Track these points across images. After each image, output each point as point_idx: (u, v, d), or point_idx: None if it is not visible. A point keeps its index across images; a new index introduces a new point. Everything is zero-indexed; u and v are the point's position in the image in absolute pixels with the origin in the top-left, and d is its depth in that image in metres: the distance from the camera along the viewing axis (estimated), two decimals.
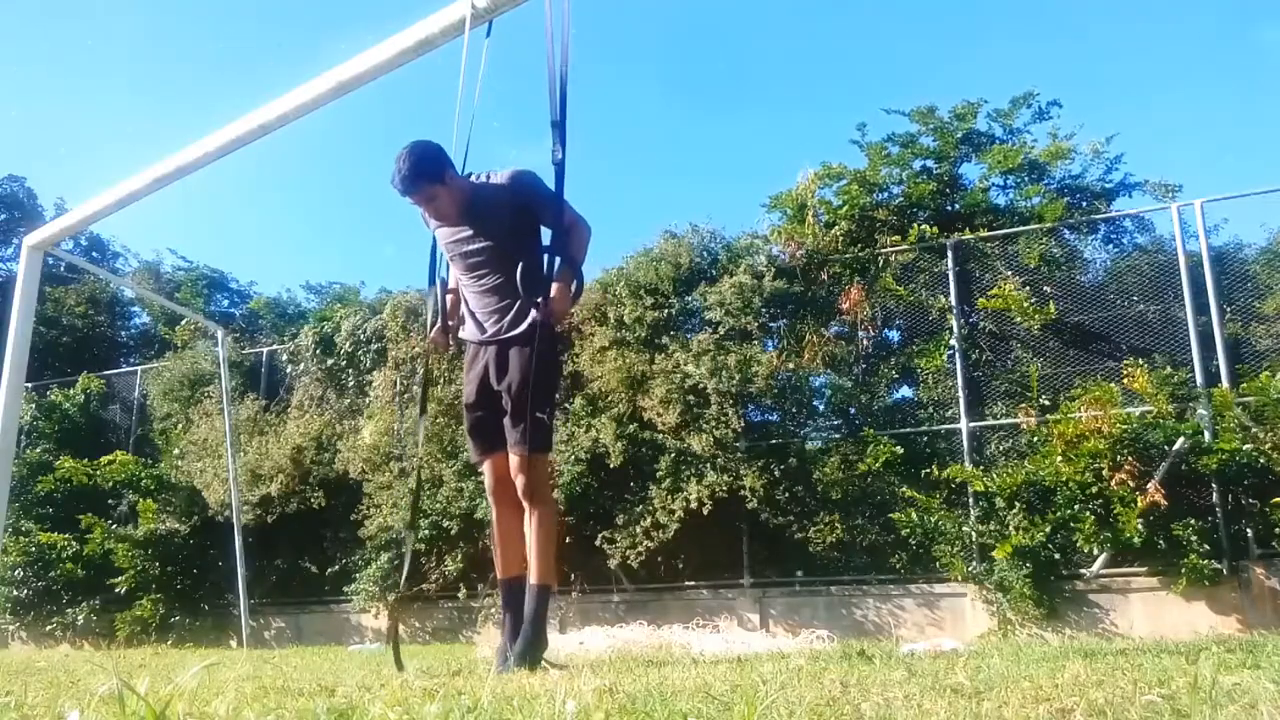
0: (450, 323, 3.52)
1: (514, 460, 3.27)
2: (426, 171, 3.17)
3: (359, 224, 31.40)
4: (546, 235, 3.39)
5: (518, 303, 3.27)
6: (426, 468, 8.14)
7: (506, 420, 3.27)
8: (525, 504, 3.29)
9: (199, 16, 28.53)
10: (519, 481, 3.27)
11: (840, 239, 8.26)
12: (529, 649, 3.16)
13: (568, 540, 7.95)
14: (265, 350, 10.93)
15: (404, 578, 3.63)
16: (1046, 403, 7.05)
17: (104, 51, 29.03)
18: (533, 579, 3.27)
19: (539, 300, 3.13)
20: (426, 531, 8.12)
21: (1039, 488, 6.57)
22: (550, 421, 3.29)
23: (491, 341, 3.34)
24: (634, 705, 1.74)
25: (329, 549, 9.30)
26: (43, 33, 27.61)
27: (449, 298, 3.57)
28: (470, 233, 3.32)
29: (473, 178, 3.34)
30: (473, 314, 3.44)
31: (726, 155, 26.37)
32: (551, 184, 3.19)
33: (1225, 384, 6.60)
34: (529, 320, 3.22)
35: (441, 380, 8.47)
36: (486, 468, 3.43)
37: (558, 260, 3.22)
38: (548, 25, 3.13)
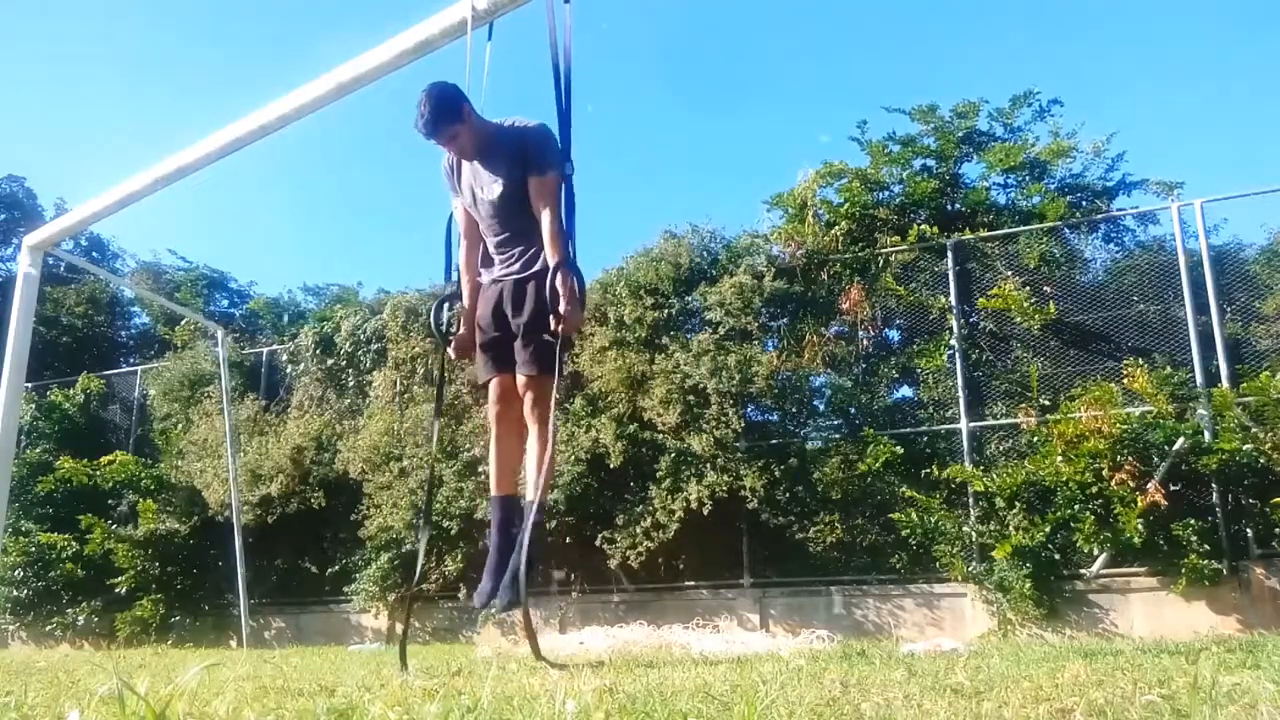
0: (464, 331, 3.56)
1: (521, 380, 3.36)
2: (448, 111, 3.25)
3: (359, 224, 31.41)
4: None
5: (533, 247, 3.37)
6: (427, 468, 8.14)
7: (517, 343, 3.37)
8: (529, 421, 3.36)
9: (199, 16, 28.54)
10: (525, 399, 3.35)
11: (840, 239, 8.26)
12: (522, 570, 3.18)
13: (567, 540, 7.96)
14: (265, 350, 10.93)
15: (417, 574, 3.65)
16: (1046, 403, 7.05)
17: (103, 52, 29.05)
18: (531, 494, 3.32)
19: (556, 311, 3.15)
20: (428, 532, 8.12)
21: (1039, 488, 6.57)
22: (560, 344, 3.31)
23: (508, 278, 3.43)
24: (634, 705, 1.74)
25: (329, 549, 9.30)
26: (42, 33, 27.62)
27: (467, 298, 3.58)
28: (487, 174, 3.39)
29: (497, 121, 3.41)
30: (486, 255, 3.55)
31: (727, 155, 26.40)
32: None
33: (1225, 384, 6.60)
34: (539, 264, 3.31)
35: (445, 381, 8.46)
36: (492, 385, 3.50)
37: (556, 260, 3.22)
38: (550, 31, 3.14)
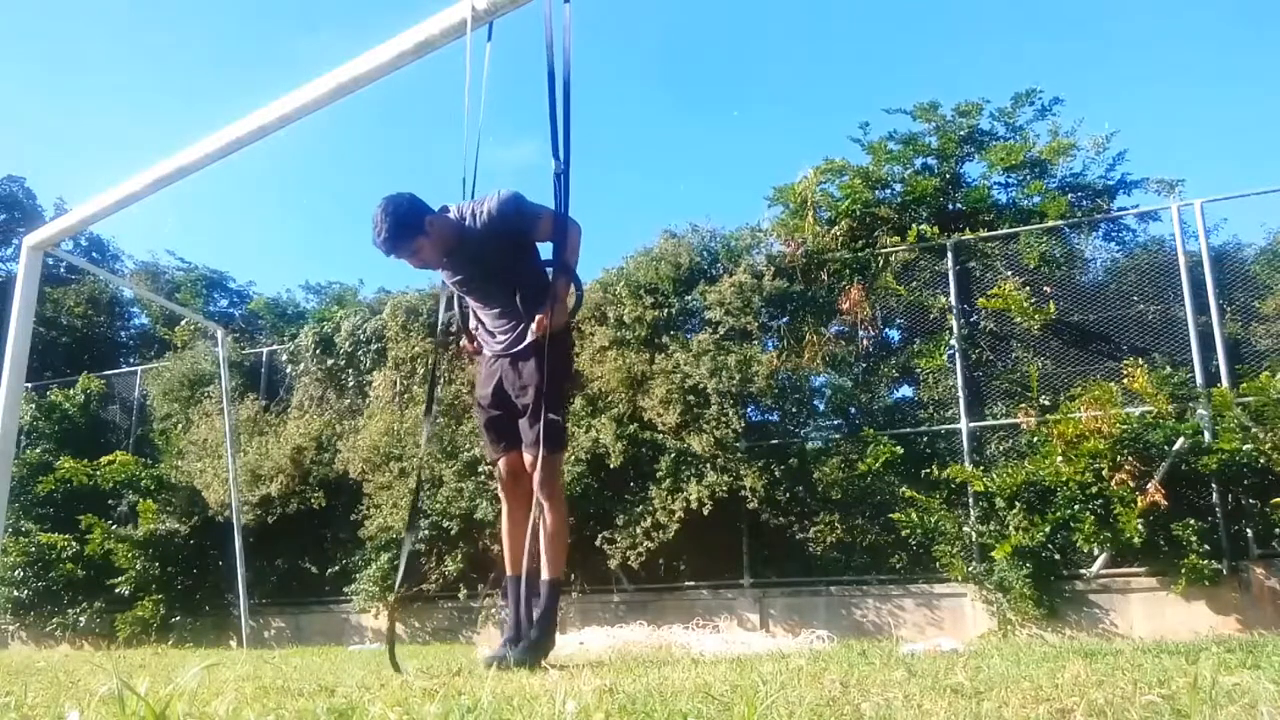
0: (474, 330, 3.61)
1: (529, 459, 3.35)
2: (407, 226, 3.16)
3: (359, 224, 31.40)
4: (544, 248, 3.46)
5: (521, 322, 3.36)
6: (426, 468, 8.14)
7: (522, 421, 3.35)
8: (539, 498, 3.33)
9: (199, 17, 28.54)
10: (535, 477, 3.32)
11: (840, 237, 8.26)
12: (536, 645, 3.20)
13: (567, 540, 7.95)
14: (265, 350, 10.93)
15: (399, 579, 3.63)
16: (1046, 403, 7.05)
17: (101, 51, 29.04)
18: (545, 574, 3.31)
19: (538, 317, 3.18)
20: (427, 532, 8.12)
21: (1039, 488, 6.57)
22: (564, 421, 3.36)
23: (504, 355, 3.43)
24: (634, 705, 1.74)
25: (329, 549, 9.31)
26: (40, 33, 27.62)
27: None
28: (460, 263, 3.37)
29: (453, 209, 3.33)
30: (485, 329, 3.54)
31: (727, 155, 26.40)
32: (537, 194, 3.27)
33: (1225, 384, 6.60)
34: (532, 336, 3.27)
35: (442, 380, 8.47)
36: (500, 464, 3.51)
37: (566, 278, 3.29)
38: (547, 31, 3.13)
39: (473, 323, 3.59)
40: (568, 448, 3.51)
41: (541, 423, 3.24)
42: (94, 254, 18.86)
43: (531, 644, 3.19)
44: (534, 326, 3.19)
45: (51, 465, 10.63)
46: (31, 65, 29.04)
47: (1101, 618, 6.54)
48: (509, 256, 3.34)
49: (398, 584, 3.77)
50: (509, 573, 3.49)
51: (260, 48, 30.74)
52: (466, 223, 3.31)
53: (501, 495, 3.55)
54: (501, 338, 3.44)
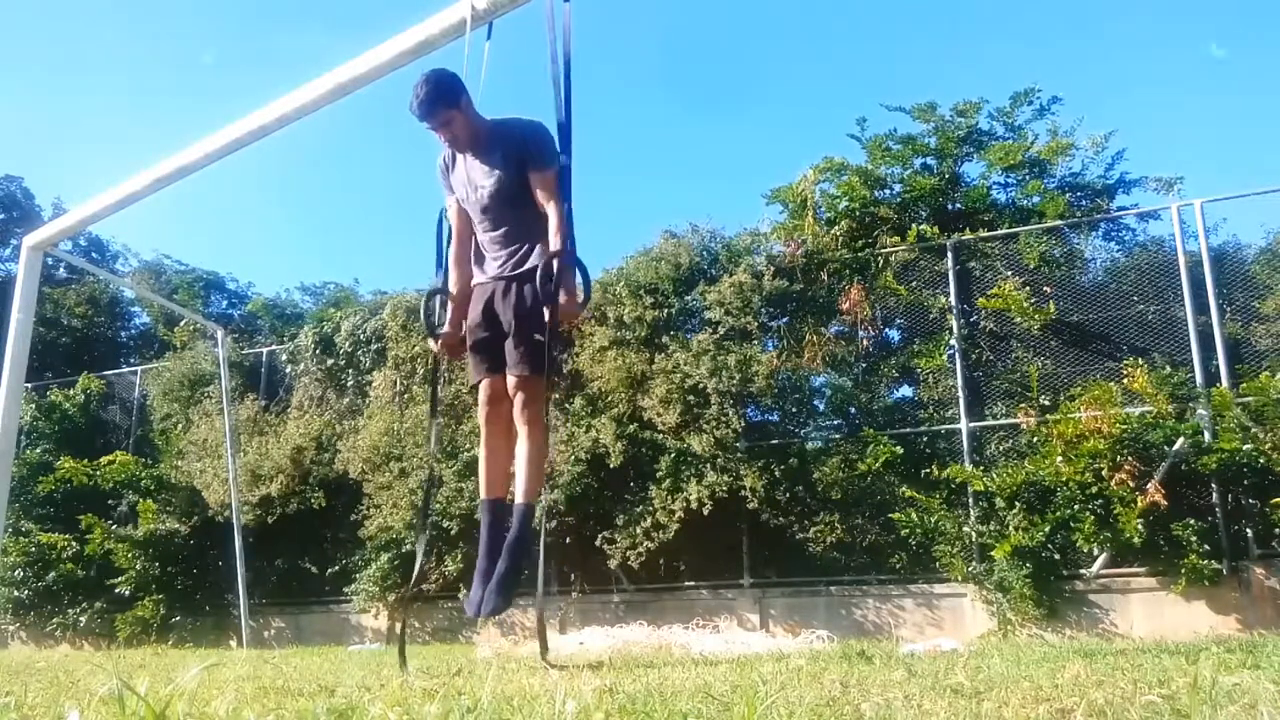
0: (450, 328, 3.55)
1: (512, 380, 3.31)
2: (445, 96, 3.24)
3: (355, 224, 31.41)
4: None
5: (524, 245, 3.34)
6: (427, 468, 8.14)
7: (508, 342, 3.32)
8: (519, 423, 3.32)
9: (198, 16, 28.53)
10: (516, 400, 3.30)
11: (840, 237, 8.26)
12: (506, 578, 3.18)
13: (567, 540, 7.96)
14: (265, 351, 10.93)
15: (415, 574, 3.63)
16: (1046, 403, 7.04)
17: (99, 51, 29.05)
18: (520, 497, 3.29)
19: (552, 303, 3.15)
20: (427, 532, 8.12)
21: (1039, 488, 6.57)
22: (552, 346, 3.29)
23: (499, 279, 3.40)
24: (634, 705, 1.74)
25: (329, 549, 9.30)
26: (37, 33, 27.62)
27: (456, 295, 3.56)
28: (482, 168, 3.37)
29: (492, 118, 3.39)
30: (478, 252, 3.50)
31: (727, 155, 26.41)
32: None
33: (1225, 384, 6.60)
34: (534, 260, 3.27)
35: (442, 380, 8.46)
36: (482, 387, 3.46)
37: (558, 250, 3.22)
38: (549, 29, 3.13)
39: (460, 331, 3.53)
40: (554, 377, 3.45)
41: (528, 344, 3.22)
42: (93, 254, 18.87)
43: (501, 578, 3.18)
44: (548, 316, 3.16)
45: (51, 465, 10.62)
46: (28, 65, 29.05)
47: (1101, 618, 6.54)
48: (521, 174, 3.32)
49: (413, 579, 3.76)
50: (483, 495, 3.46)
51: (258, 47, 30.75)
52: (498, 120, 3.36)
53: (480, 420, 3.49)
54: (498, 259, 3.42)
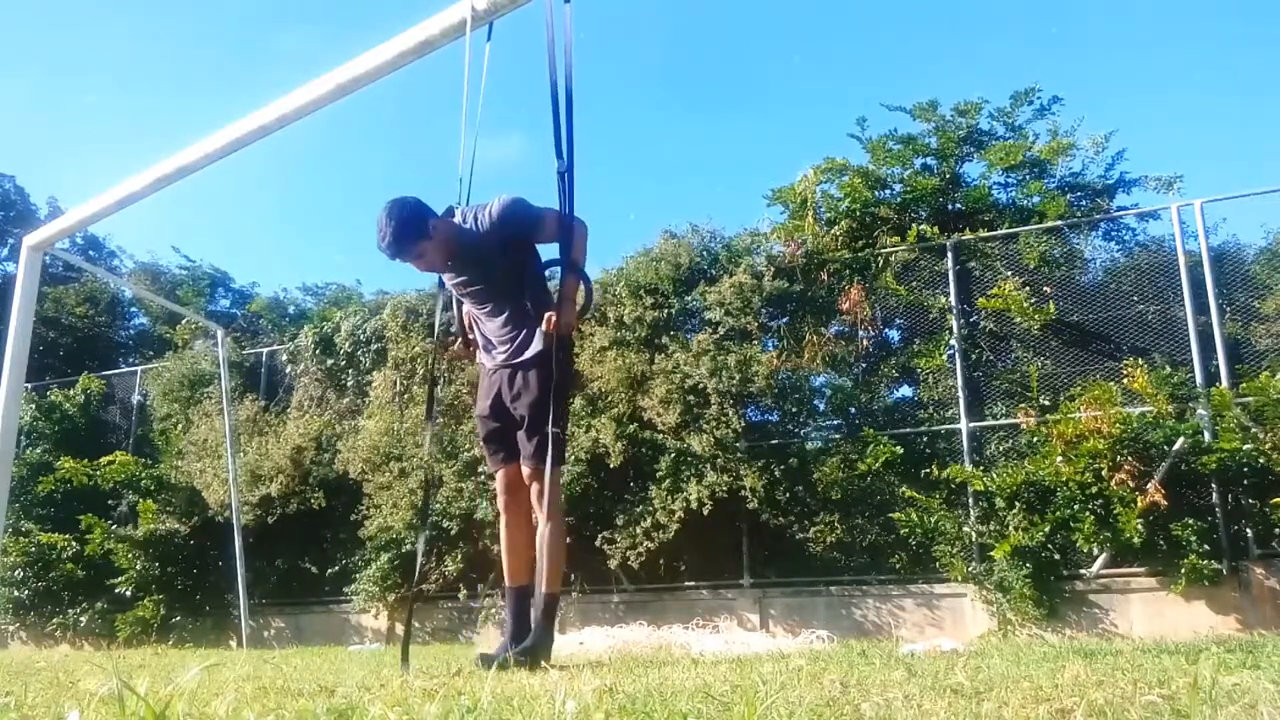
0: (470, 335, 3.59)
1: (527, 471, 3.34)
2: (411, 231, 3.18)
3: (359, 224, 31.41)
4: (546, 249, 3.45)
5: (524, 330, 3.34)
6: (427, 469, 8.14)
7: (521, 434, 3.34)
8: (537, 510, 3.34)
9: (198, 16, 28.53)
10: (532, 489, 3.33)
11: (840, 238, 8.26)
12: (534, 649, 3.19)
13: (567, 540, 7.94)
14: (265, 350, 10.93)
15: (416, 572, 3.65)
16: (1046, 403, 7.05)
17: (96, 51, 29.04)
18: (543, 587, 3.29)
19: (548, 315, 3.19)
20: (427, 532, 8.12)
21: (1039, 488, 6.57)
22: (564, 436, 3.32)
23: (504, 367, 3.41)
24: (634, 705, 1.74)
25: (329, 549, 9.30)
26: (33, 31, 27.62)
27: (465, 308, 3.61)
28: (465, 271, 3.38)
29: (457, 214, 3.35)
30: (485, 338, 3.51)
31: (727, 155, 26.41)
32: (539, 194, 3.27)
33: (1225, 384, 6.60)
34: (536, 346, 3.28)
35: (442, 381, 8.47)
36: (499, 477, 3.49)
37: (577, 275, 3.29)
38: (549, 33, 3.13)
39: (473, 335, 3.58)
40: (567, 461, 3.48)
41: (539, 436, 3.23)
42: (90, 252, 18.87)
43: (528, 649, 3.18)
44: (543, 325, 3.19)
45: (51, 465, 10.62)
46: (23, 64, 29.04)
47: (1101, 618, 6.54)
48: (512, 263, 3.33)
49: (415, 578, 3.78)
50: (508, 584, 3.49)
51: (257, 47, 30.74)
52: (469, 227, 3.31)
53: (500, 508, 3.54)
54: (502, 348, 3.42)
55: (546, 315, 3.18)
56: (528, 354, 3.31)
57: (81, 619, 9.74)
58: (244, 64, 29.65)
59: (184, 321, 12.96)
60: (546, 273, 3.46)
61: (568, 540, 3.52)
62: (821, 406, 8.17)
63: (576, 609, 7.96)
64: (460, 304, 3.60)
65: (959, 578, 6.83)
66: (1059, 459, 6.50)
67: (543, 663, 3.12)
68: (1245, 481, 6.42)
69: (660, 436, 7.61)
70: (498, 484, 3.51)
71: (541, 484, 3.26)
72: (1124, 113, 24.35)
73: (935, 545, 6.94)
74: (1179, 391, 6.67)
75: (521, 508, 3.43)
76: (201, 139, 4.53)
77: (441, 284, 3.58)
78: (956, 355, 7.57)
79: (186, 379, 10.65)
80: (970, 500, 7.03)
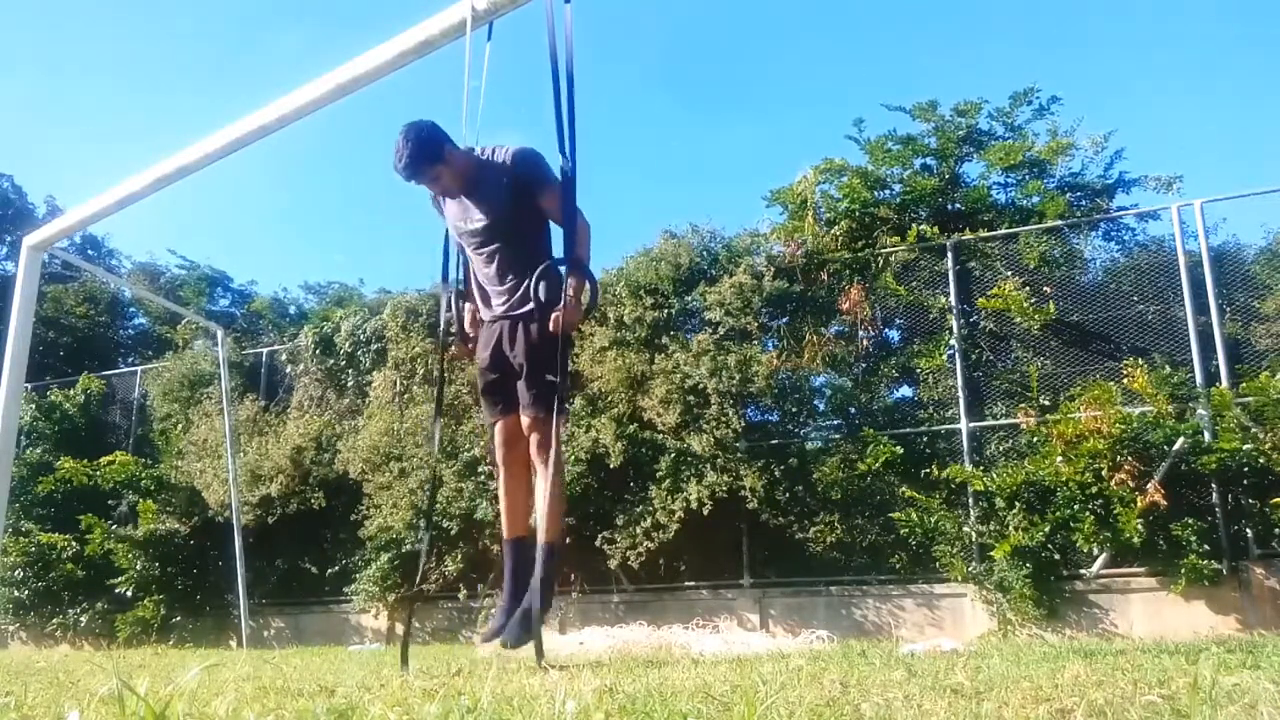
0: (469, 330, 3.57)
1: (526, 421, 3.31)
2: (428, 153, 3.21)
3: (359, 223, 31.41)
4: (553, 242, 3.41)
5: (525, 280, 3.29)
6: (427, 468, 8.14)
7: (520, 383, 3.32)
8: (536, 463, 3.31)
9: (198, 15, 28.54)
10: (531, 440, 3.30)
11: (840, 238, 8.26)
12: (532, 611, 3.17)
13: (568, 540, 7.95)
14: (265, 350, 10.93)
15: (420, 570, 3.65)
16: (1046, 403, 7.05)
17: (93, 50, 29.05)
18: (542, 537, 3.28)
19: (554, 315, 3.17)
20: (428, 533, 8.11)
21: (1039, 488, 6.57)
22: (563, 385, 3.29)
23: (504, 318, 3.39)
24: (634, 705, 1.74)
25: (329, 549, 9.30)
26: (30, 30, 27.62)
27: (466, 306, 3.59)
28: (474, 208, 3.35)
29: (477, 151, 3.36)
30: (482, 290, 3.48)
31: (727, 156, 26.40)
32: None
33: (1225, 384, 6.60)
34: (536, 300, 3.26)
35: (445, 382, 8.46)
36: (497, 429, 3.47)
37: (571, 257, 3.24)
38: (549, 30, 3.13)
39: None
40: (567, 412, 3.46)
41: (539, 385, 3.22)
42: (89, 251, 18.86)
43: (525, 613, 3.18)
44: (550, 325, 3.18)
45: (51, 465, 10.62)
46: (20, 62, 29.05)
47: (1101, 618, 6.54)
48: (517, 210, 3.30)
49: (419, 576, 3.78)
50: (506, 536, 3.47)
51: (257, 45, 30.74)
52: (486, 159, 3.33)
53: (498, 461, 3.50)
54: (502, 299, 3.40)
55: (554, 315, 3.17)
56: (527, 307, 3.29)
57: (81, 619, 9.73)
58: (244, 63, 29.67)
59: (184, 321, 12.97)
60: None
61: (566, 491, 3.46)
62: (821, 406, 8.18)
63: (576, 609, 7.96)
64: (460, 303, 3.59)
65: (959, 578, 6.83)
66: (1059, 459, 6.50)
67: (540, 628, 3.10)
68: (1245, 481, 6.42)
69: (660, 436, 7.61)
70: (496, 437, 3.48)
71: (541, 433, 3.24)
72: (1124, 113, 24.36)
73: (935, 545, 6.94)
74: (1179, 391, 6.67)
75: (520, 460, 3.41)
76: (201, 139, 4.53)
77: (446, 256, 3.54)
78: (956, 355, 7.57)
79: (186, 379, 10.65)
80: (970, 500, 7.03)
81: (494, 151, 3.33)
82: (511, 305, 3.36)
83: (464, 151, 3.30)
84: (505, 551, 3.47)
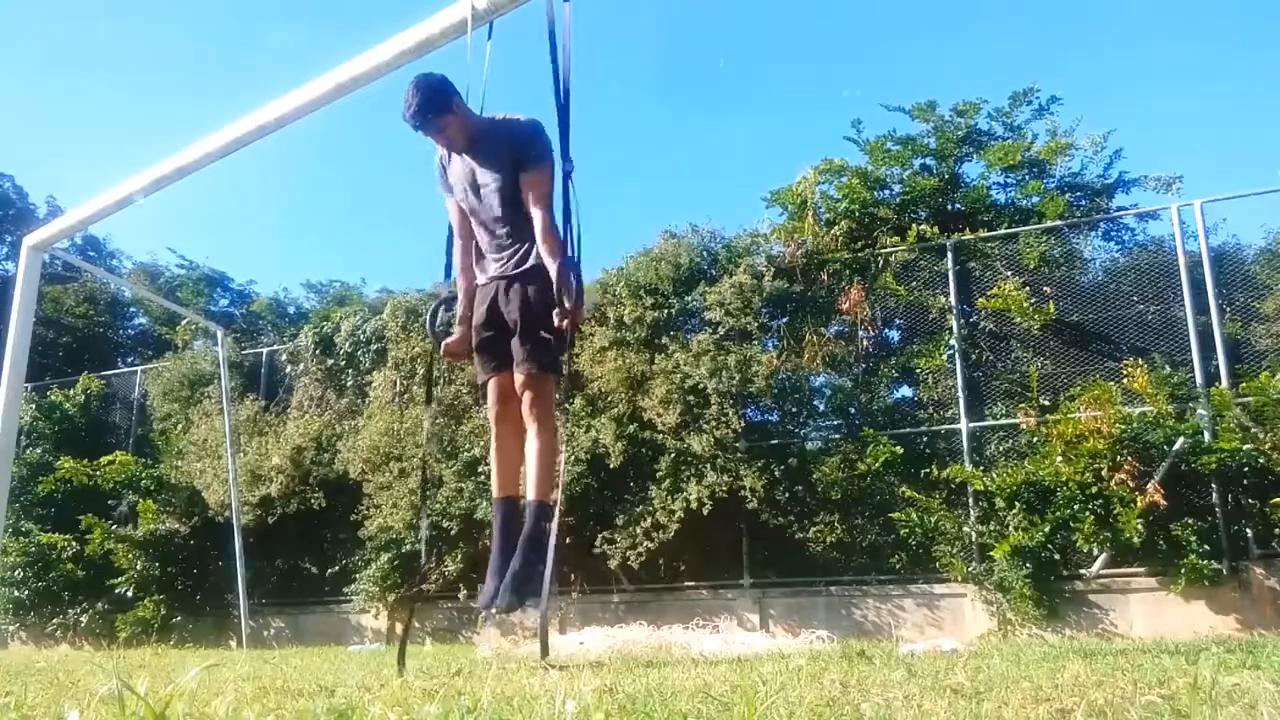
0: (455, 348, 3.57)
1: (519, 378, 3.32)
2: (436, 102, 3.24)
3: (360, 223, 31.41)
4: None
5: (525, 244, 3.33)
6: (423, 464, 8.13)
7: (514, 340, 3.32)
8: (527, 421, 3.32)
9: (198, 14, 28.53)
10: (524, 398, 3.31)
11: (840, 238, 8.25)
12: (522, 574, 3.16)
13: (568, 540, 7.95)
14: (265, 350, 10.93)
15: (421, 573, 3.65)
16: (1046, 403, 7.04)
17: (92, 50, 29.05)
18: (531, 494, 3.28)
19: (558, 312, 3.15)
20: (426, 532, 8.11)
21: (1039, 488, 6.57)
22: (557, 344, 3.29)
23: (500, 278, 3.40)
24: (634, 705, 1.74)
25: (329, 549, 9.30)
26: (29, 30, 27.61)
27: (462, 300, 3.58)
28: (479, 168, 3.37)
29: (488, 116, 3.39)
30: (481, 252, 3.50)
31: (727, 156, 26.38)
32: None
33: (1225, 384, 6.60)
34: (533, 259, 3.28)
35: (441, 380, 8.47)
36: (490, 386, 3.46)
37: (554, 257, 3.22)
38: (549, 29, 3.13)
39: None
40: (561, 371, 3.43)
41: (533, 341, 3.23)
42: (90, 252, 18.84)
43: (515, 574, 3.17)
44: (555, 322, 3.17)
45: (51, 465, 10.61)
46: (19, 63, 29.05)
47: (1101, 618, 6.54)
48: (517, 177, 3.32)
49: (421, 574, 3.77)
50: (496, 495, 3.47)
51: (257, 44, 30.74)
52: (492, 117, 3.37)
53: (490, 419, 3.50)
54: (498, 260, 3.42)
55: (555, 312, 3.16)
56: (527, 265, 3.31)
57: (81, 619, 9.73)
58: (244, 63, 29.65)
59: (184, 321, 12.96)
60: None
61: (557, 453, 3.43)
62: (821, 406, 8.18)
63: (576, 609, 7.95)
64: (454, 302, 3.59)
65: (959, 578, 6.83)
66: (1059, 459, 6.50)
67: (532, 589, 3.09)
68: (1245, 481, 6.42)
69: (660, 436, 7.61)
70: (489, 394, 3.47)
71: (534, 391, 3.26)
72: (1124, 113, 24.32)
73: (935, 545, 6.94)
74: (1179, 391, 6.67)
75: (512, 418, 3.40)
76: (200, 139, 4.53)
77: (448, 248, 3.54)
78: (956, 355, 7.57)
79: (186, 379, 10.64)
80: (970, 500, 7.03)
81: (505, 118, 3.37)
82: (509, 266, 3.38)
83: (470, 109, 3.34)
84: (495, 511, 3.47)
